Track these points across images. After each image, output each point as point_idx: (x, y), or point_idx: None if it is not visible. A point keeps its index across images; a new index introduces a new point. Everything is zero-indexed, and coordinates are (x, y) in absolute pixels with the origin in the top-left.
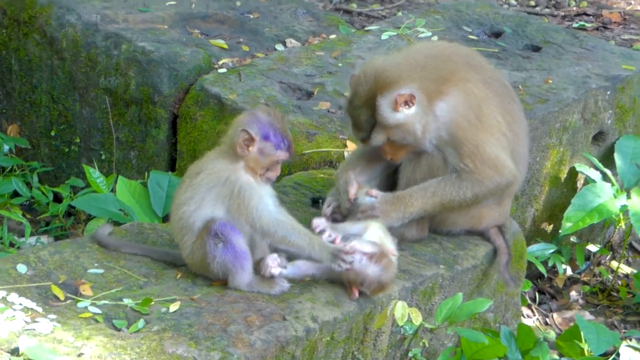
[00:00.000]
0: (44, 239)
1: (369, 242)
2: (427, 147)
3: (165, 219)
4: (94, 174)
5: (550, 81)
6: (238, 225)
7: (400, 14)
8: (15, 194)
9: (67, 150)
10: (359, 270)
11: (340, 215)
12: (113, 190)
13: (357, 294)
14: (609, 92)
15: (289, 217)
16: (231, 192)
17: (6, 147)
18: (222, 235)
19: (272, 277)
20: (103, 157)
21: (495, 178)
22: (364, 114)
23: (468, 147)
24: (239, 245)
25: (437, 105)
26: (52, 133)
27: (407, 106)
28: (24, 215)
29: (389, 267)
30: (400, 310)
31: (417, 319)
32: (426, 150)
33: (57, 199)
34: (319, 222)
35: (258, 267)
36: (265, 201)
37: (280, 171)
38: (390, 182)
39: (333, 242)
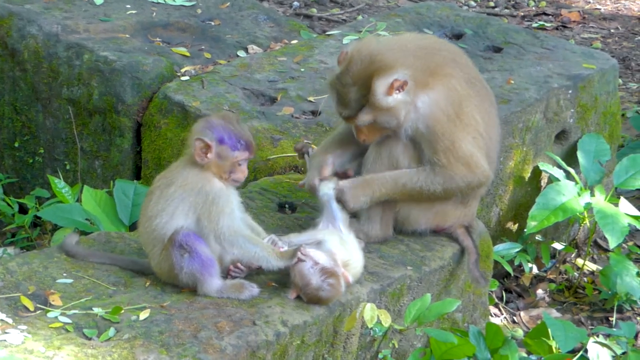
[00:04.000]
0: (11, 250)
1: (329, 254)
2: (403, 135)
3: (132, 227)
4: (59, 184)
5: (512, 81)
6: (205, 233)
7: (360, 17)
8: None
9: (31, 161)
10: (305, 274)
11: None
12: (79, 200)
13: (294, 296)
14: (570, 91)
15: (248, 231)
16: (204, 200)
17: None
18: (187, 246)
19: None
20: (68, 167)
21: (467, 176)
22: (354, 92)
23: (443, 142)
24: (204, 253)
25: (420, 97)
26: (16, 144)
27: (398, 91)
28: None
29: (333, 287)
30: (369, 312)
31: (386, 320)
32: (399, 137)
33: (23, 210)
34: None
35: (227, 272)
36: (234, 212)
37: (247, 172)
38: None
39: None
